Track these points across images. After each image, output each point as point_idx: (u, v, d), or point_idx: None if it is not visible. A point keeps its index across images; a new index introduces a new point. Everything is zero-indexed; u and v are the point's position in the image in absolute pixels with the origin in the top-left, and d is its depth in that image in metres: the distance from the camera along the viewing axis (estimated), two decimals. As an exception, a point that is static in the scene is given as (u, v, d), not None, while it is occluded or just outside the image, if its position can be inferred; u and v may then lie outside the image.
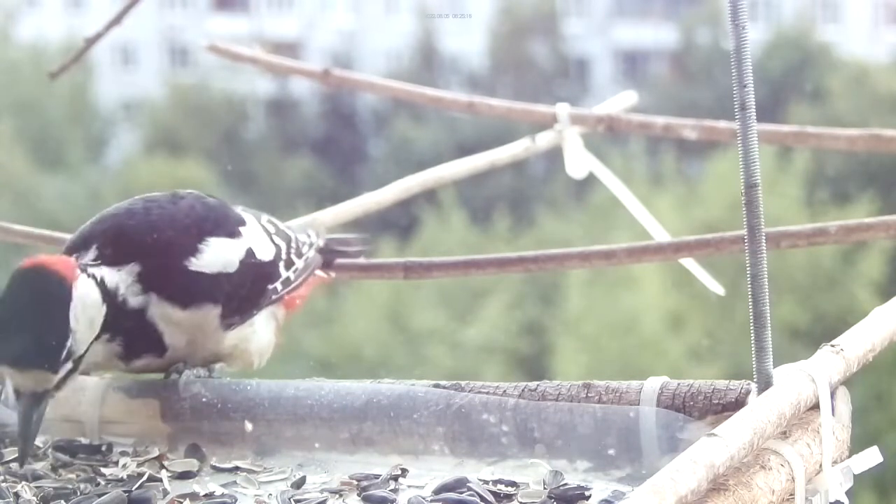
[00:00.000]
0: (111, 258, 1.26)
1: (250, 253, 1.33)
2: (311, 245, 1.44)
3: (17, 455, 1.21)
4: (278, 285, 1.36)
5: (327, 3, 15.01)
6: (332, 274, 1.53)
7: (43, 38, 12.66)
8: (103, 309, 1.23)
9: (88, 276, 1.23)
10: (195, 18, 14.58)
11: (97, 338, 1.24)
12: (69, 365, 1.21)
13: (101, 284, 1.24)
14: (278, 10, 15.01)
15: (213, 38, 2.14)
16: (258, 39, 13.78)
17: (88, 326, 1.22)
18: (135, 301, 1.26)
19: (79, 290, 1.21)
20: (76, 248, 1.28)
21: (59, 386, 1.21)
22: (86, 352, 1.22)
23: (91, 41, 1.89)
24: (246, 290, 1.32)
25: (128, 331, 1.26)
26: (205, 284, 1.28)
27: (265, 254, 1.35)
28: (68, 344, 1.20)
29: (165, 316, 1.27)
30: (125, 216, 1.30)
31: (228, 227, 1.33)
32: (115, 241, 1.28)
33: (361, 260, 1.58)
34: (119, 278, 1.25)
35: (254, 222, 1.37)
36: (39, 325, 1.19)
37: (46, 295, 1.20)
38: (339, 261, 1.53)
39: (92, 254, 1.27)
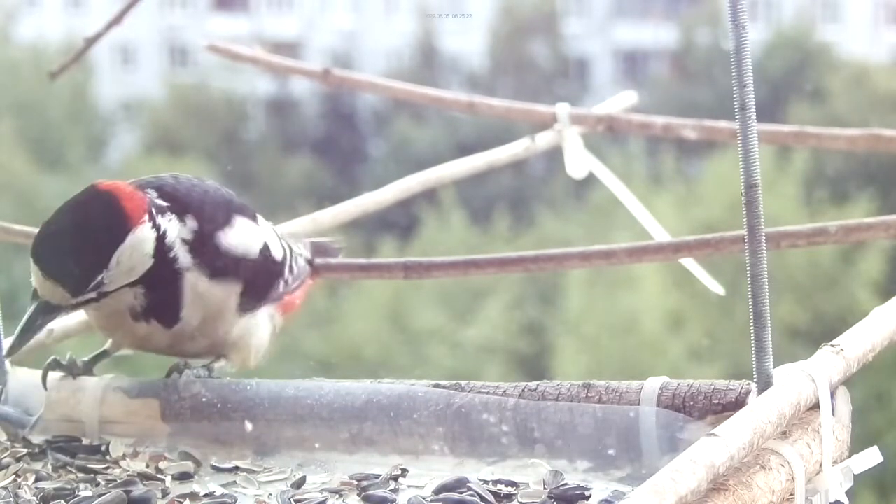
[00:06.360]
0: (174, 208, 1.26)
1: (266, 246, 1.33)
2: (301, 255, 1.45)
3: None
4: (282, 283, 1.36)
5: (327, 3, 15.00)
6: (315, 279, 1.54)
7: (43, 38, 12.65)
8: (149, 263, 1.23)
9: (154, 225, 1.23)
10: (195, 18, 14.57)
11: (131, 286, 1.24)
12: (91, 294, 1.22)
13: (161, 238, 1.23)
14: (278, 10, 15.00)
15: (213, 38, 2.14)
16: (258, 39, 13.77)
17: (127, 272, 1.22)
18: (184, 261, 1.25)
19: (136, 234, 1.21)
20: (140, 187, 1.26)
21: (75, 307, 1.23)
22: (113, 291, 1.23)
23: (91, 41, 1.89)
24: (262, 279, 1.32)
25: (154, 285, 1.24)
26: (234, 260, 1.28)
27: (277, 251, 1.35)
28: (99, 278, 1.20)
29: (194, 283, 1.26)
30: (160, 181, 1.28)
31: (250, 212, 1.33)
32: (171, 195, 1.26)
33: (362, 259, 1.58)
34: (179, 233, 1.25)
35: (263, 221, 1.37)
36: (81, 248, 1.20)
37: (104, 225, 1.21)
38: (319, 260, 1.54)
39: (159, 198, 1.25)
